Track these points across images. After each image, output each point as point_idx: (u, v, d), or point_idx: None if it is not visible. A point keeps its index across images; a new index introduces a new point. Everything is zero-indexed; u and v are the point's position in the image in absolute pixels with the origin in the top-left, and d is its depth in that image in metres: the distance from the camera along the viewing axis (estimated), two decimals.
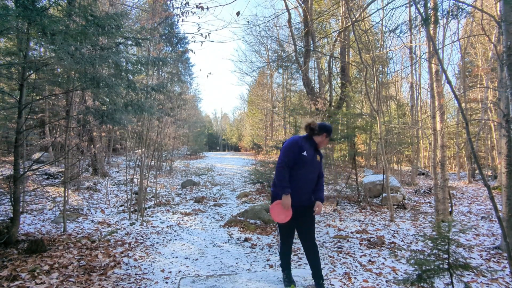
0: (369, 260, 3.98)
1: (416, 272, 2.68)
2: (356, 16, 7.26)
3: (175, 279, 3.32)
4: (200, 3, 4.46)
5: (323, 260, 3.96)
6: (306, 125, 2.62)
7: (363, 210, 7.05)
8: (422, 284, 2.62)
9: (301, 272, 2.94)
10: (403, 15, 36.91)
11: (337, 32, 10.54)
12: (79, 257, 3.83)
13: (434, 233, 2.78)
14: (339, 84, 12.82)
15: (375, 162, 15.13)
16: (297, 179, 2.52)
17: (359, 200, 8.04)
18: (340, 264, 3.87)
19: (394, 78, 15.69)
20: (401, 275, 3.48)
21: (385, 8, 8.40)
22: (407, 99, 18.01)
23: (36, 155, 9.47)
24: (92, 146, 9.50)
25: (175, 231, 5.33)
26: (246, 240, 4.86)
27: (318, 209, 2.54)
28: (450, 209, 6.31)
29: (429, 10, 2.91)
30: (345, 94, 11.07)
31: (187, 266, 3.74)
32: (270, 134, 24.37)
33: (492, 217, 6.51)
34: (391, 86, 16.01)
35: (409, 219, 6.41)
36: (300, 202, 2.52)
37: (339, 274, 3.53)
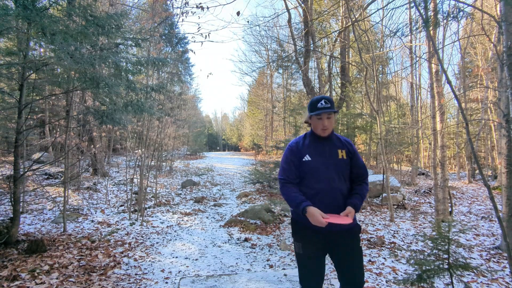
0: (369, 260, 3.98)
1: (416, 272, 2.68)
2: (356, 16, 7.26)
3: (175, 279, 3.32)
4: (200, 3, 4.46)
5: None
6: (305, 121, 1.97)
7: (363, 210, 7.05)
8: (422, 284, 2.62)
9: None
10: (403, 15, 36.94)
11: (337, 32, 10.53)
12: (79, 257, 3.83)
13: (434, 233, 2.79)
14: (339, 84, 12.82)
15: (375, 162, 15.13)
16: (312, 195, 1.76)
17: None
18: None
19: (394, 78, 15.69)
20: (401, 275, 3.48)
21: (385, 8, 8.38)
22: (407, 99, 18.02)
23: (36, 155, 9.47)
24: (92, 146, 9.50)
25: (175, 231, 5.33)
26: (246, 240, 4.86)
27: (348, 214, 1.70)
28: (450, 209, 6.31)
29: (429, 11, 2.91)
30: (345, 94, 11.06)
31: (187, 266, 3.74)
32: (270, 134, 24.37)
33: (492, 217, 6.51)
34: (391, 86, 16.01)
35: (409, 219, 6.41)
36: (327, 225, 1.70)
37: None
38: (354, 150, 1.87)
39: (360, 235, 1.87)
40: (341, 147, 1.84)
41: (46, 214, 6.02)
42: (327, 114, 1.78)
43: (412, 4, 5.16)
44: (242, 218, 6.04)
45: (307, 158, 1.80)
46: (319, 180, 1.76)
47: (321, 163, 1.78)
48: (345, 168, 1.80)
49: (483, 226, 5.93)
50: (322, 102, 1.77)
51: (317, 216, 1.62)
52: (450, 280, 2.56)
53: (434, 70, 6.14)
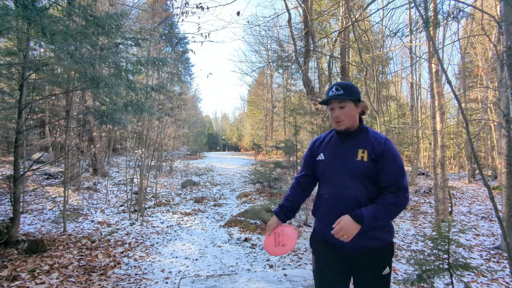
0: None
1: (416, 272, 2.68)
2: (356, 16, 7.26)
3: (175, 279, 3.32)
4: (200, 3, 4.45)
5: None
6: None
7: None
8: (422, 284, 2.62)
9: (301, 272, 2.94)
10: (403, 15, 36.96)
11: (337, 32, 10.53)
12: (79, 257, 3.83)
13: (434, 233, 2.79)
14: None
15: None
16: (324, 202, 1.53)
17: None
18: None
19: (394, 78, 15.69)
20: (401, 275, 3.48)
21: (385, 8, 8.38)
22: (407, 99, 18.02)
23: (36, 155, 9.47)
24: (92, 146, 9.50)
25: (175, 231, 5.33)
26: (246, 240, 4.86)
27: (336, 227, 1.36)
28: (450, 209, 6.31)
29: (429, 11, 2.91)
30: None
31: (187, 266, 3.74)
32: (270, 134, 24.38)
33: (492, 217, 6.51)
34: (391, 86, 16.01)
35: (409, 219, 6.41)
36: (338, 241, 1.42)
37: None
38: (382, 151, 1.43)
39: (391, 259, 1.46)
40: (364, 146, 1.46)
41: (46, 214, 6.01)
42: (339, 102, 1.47)
43: (412, 4, 5.16)
44: (242, 218, 6.04)
45: (320, 157, 1.56)
46: (330, 184, 1.50)
47: (332, 164, 1.51)
48: (364, 173, 1.43)
49: (483, 226, 5.93)
50: (333, 89, 1.48)
51: (267, 228, 1.63)
52: (450, 280, 2.56)
53: (434, 70, 6.14)
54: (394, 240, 4.85)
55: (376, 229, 1.40)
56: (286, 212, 1.64)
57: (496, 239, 5.02)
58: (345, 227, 1.33)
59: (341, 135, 1.54)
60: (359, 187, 1.43)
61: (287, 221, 1.68)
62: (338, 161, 1.49)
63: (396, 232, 5.36)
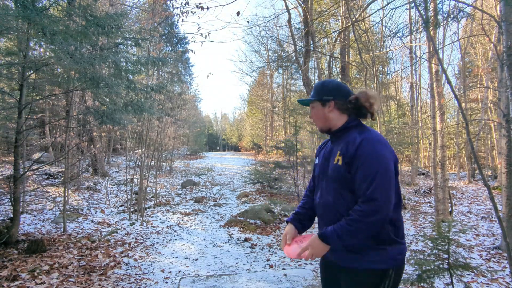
0: None
1: (416, 272, 2.68)
2: (356, 16, 7.26)
3: (175, 279, 3.32)
4: (200, 3, 4.45)
5: None
6: None
7: None
8: (422, 284, 2.62)
9: (301, 272, 2.94)
10: (403, 15, 36.95)
11: (337, 32, 10.53)
12: (79, 257, 3.83)
13: (434, 233, 2.79)
14: None
15: None
16: (315, 207, 1.46)
17: None
18: None
19: (394, 78, 15.68)
20: None
21: (385, 8, 8.38)
22: (407, 99, 18.01)
23: (36, 155, 9.47)
24: (92, 146, 9.50)
25: (175, 231, 5.33)
26: (246, 240, 4.86)
27: (303, 247, 1.28)
28: (450, 209, 6.31)
29: (429, 11, 2.92)
30: None
31: (187, 266, 3.74)
32: (270, 134, 24.37)
33: (492, 217, 6.51)
34: (391, 86, 16.00)
35: (409, 219, 6.41)
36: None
37: None
38: (354, 153, 1.22)
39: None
40: (341, 148, 1.29)
41: (46, 214, 6.01)
42: (310, 104, 1.42)
43: (412, 4, 5.16)
44: (242, 218, 6.04)
45: (316, 160, 1.48)
46: (317, 189, 1.42)
47: (318, 169, 1.43)
48: (338, 178, 1.27)
49: (483, 226, 5.93)
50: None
51: (283, 237, 1.43)
52: (450, 280, 2.56)
53: (434, 70, 6.14)
54: None
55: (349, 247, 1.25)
56: (301, 220, 1.49)
57: (496, 239, 5.02)
58: (313, 245, 1.24)
59: (331, 137, 1.43)
60: (336, 193, 1.29)
61: (304, 232, 1.49)
62: (322, 165, 1.40)
63: None
